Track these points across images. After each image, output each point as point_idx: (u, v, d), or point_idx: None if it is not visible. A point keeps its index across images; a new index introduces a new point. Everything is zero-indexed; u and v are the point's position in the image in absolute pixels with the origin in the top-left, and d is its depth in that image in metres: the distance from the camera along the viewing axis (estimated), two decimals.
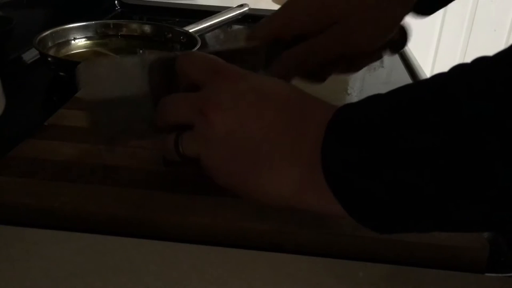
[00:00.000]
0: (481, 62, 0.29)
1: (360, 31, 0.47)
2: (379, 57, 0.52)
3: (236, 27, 1.06)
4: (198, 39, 0.81)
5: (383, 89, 0.32)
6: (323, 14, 0.47)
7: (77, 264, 0.35)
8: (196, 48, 0.77)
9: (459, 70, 0.30)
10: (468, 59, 0.29)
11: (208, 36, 0.98)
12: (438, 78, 0.31)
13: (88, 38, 0.84)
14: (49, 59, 0.72)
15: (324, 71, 0.51)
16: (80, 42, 0.82)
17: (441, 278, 0.36)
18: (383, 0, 0.47)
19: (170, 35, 0.86)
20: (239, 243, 0.39)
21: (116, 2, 1.12)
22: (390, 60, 0.88)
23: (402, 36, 0.51)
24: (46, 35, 0.77)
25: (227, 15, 1.03)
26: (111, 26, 0.86)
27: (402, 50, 0.93)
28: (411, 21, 0.50)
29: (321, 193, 0.33)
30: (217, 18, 1.00)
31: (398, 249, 0.38)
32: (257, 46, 0.48)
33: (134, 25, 0.88)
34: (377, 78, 0.77)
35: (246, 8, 1.07)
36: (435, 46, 2.29)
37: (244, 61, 0.45)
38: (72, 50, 0.81)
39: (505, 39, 2.29)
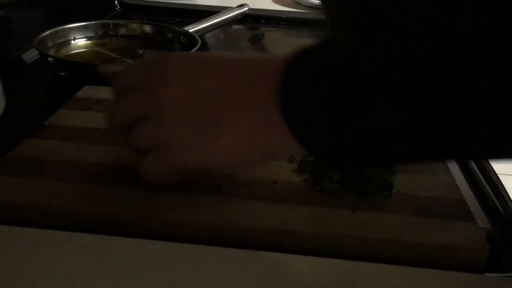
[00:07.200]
0: None
1: None
2: None
3: (236, 27, 1.06)
4: (198, 39, 0.81)
5: None
6: None
7: (77, 264, 0.35)
8: (195, 49, 0.77)
9: None
10: None
11: (208, 36, 0.98)
12: None
13: (88, 38, 0.84)
14: (49, 59, 0.72)
15: None
16: (80, 42, 0.82)
17: (441, 278, 0.36)
18: None
19: (170, 35, 0.86)
20: (239, 243, 0.39)
21: (116, 2, 1.12)
22: None
23: None
24: (46, 35, 0.77)
25: (227, 15, 1.03)
26: (111, 26, 0.87)
27: None
28: None
29: (274, 133, 0.34)
30: (217, 18, 1.00)
31: (398, 249, 0.38)
32: None
33: (134, 25, 0.88)
34: None
35: (246, 8, 1.07)
36: None
37: None
38: (72, 50, 0.81)
39: None
